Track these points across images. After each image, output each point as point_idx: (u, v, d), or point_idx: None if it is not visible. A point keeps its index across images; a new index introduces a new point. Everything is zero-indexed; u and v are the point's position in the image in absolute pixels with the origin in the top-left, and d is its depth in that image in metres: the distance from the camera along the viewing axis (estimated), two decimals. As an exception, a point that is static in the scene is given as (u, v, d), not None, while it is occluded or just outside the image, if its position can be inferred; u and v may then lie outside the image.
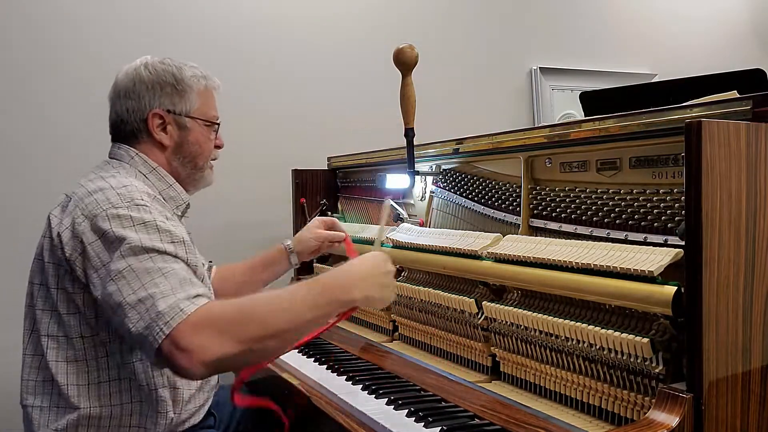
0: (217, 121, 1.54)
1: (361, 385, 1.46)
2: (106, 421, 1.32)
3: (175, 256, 1.22)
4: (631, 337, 1.11)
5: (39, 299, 1.35)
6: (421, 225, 1.91)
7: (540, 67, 3.31)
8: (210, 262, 1.77)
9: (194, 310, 1.12)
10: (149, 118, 1.45)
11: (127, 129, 1.46)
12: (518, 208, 1.55)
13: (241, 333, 1.12)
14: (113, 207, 1.26)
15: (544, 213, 1.49)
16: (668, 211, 1.20)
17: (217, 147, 1.58)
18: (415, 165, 1.85)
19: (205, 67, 1.54)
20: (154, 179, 1.45)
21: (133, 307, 1.14)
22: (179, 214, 1.50)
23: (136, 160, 1.45)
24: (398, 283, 1.80)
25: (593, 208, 1.36)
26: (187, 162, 1.50)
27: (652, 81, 3.08)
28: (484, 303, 1.46)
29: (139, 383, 1.34)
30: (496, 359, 1.46)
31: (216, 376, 1.53)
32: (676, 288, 1.05)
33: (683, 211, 1.05)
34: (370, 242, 1.98)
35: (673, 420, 0.98)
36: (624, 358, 1.13)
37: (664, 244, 1.17)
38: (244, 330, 1.12)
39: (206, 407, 1.49)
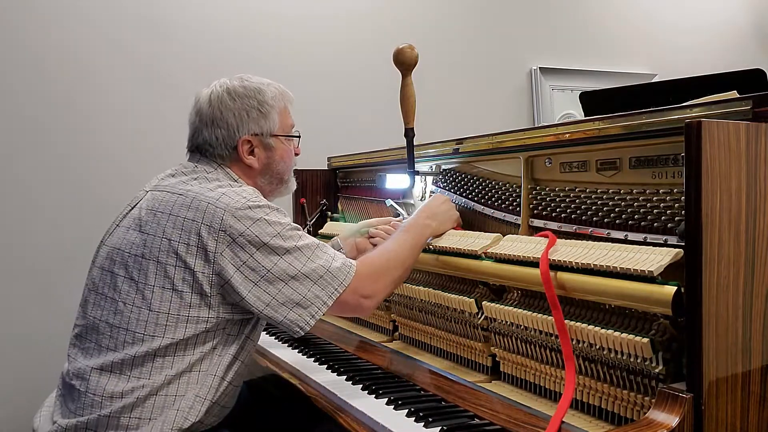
0: (297, 134, 1.62)
1: (361, 385, 1.46)
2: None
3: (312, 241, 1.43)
4: (631, 337, 1.11)
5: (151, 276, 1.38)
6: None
7: (540, 67, 3.31)
8: None
9: (359, 266, 1.44)
10: (239, 145, 1.52)
11: (216, 152, 1.53)
12: (518, 208, 1.55)
13: (393, 275, 1.51)
14: (250, 206, 1.38)
15: (544, 213, 1.49)
16: (668, 211, 1.20)
17: (296, 155, 1.64)
18: (415, 165, 1.85)
19: (279, 82, 1.60)
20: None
21: (311, 272, 1.38)
22: None
23: (220, 173, 1.51)
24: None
25: (593, 208, 1.36)
26: (274, 179, 1.59)
27: (652, 81, 3.08)
28: (484, 303, 1.46)
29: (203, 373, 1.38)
30: (496, 359, 1.46)
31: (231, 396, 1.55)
32: (676, 288, 1.05)
33: (683, 211, 1.05)
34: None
35: (673, 420, 0.98)
36: (624, 358, 1.13)
37: (664, 244, 1.17)
38: (393, 273, 1.51)
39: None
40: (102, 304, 1.38)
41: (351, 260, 1.45)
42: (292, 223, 1.43)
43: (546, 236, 1.36)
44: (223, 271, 1.34)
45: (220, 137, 1.51)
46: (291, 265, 1.37)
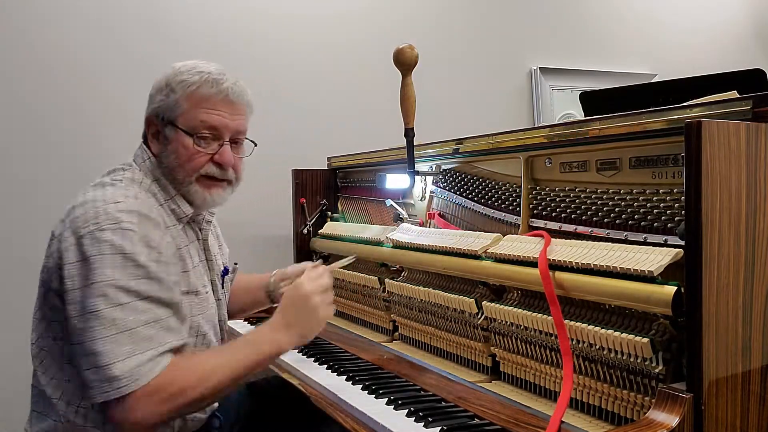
0: (203, 133, 1.39)
1: (361, 385, 1.46)
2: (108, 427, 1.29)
3: (148, 298, 1.23)
4: (631, 337, 1.11)
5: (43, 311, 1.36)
6: (421, 225, 1.91)
7: (540, 67, 3.31)
8: (235, 264, 1.76)
9: (152, 378, 1.19)
10: (147, 123, 1.44)
11: (143, 132, 1.46)
12: (518, 208, 1.55)
13: (192, 396, 1.23)
14: (98, 228, 1.24)
15: (544, 213, 1.49)
16: (668, 211, 1.20)
17: (218, 164, 1.42)
18: (415, 165, 1.85)
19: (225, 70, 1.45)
20: (158, 189, 1.41)
21: (93, 356, 1.18)
22: (180, 225, 1.44)
23: (147, 166, 1.43)
24: (398, 282, 1.80)
25: (593, 208, 1.36)
26: (167, 173, 1.41)
27: (652, 81, 3.08)
28: (484, 303, 1.46)
29: None
30: (496, 359, 1.46)
31: None
32: (675, 288, 1.05)
33: (683, 211, 1.05)
34: (370, 243, 1.99)
35: (673, 420, 0.98)
36: (624, 358, 1.13)
37: (664, 244, 1.17)
38: (194, 396, 1.23)
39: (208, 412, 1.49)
40: None
41: (148, 367, 1.19)
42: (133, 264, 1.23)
43: (541, 236, 1.36)
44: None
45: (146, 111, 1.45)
46: (76, 331, 1.21)
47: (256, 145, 1.52)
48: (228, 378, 1.27)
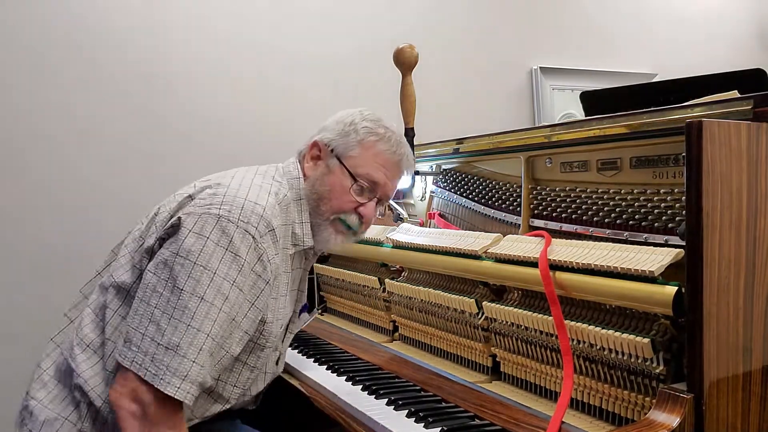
0: (364, 182, 1.40)
1: (361, 386, 1.46)
2: None
3: (230, 310, 1.21)
4: (631, 337, 1.11)
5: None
6: (421, 225, 1.91)
7: (540, 67, 3.31)
8: (317, 308, 1.68)
9: (192, 399, 1.17)
10: (310, 144, 1.46)
11: (301, 149, 1.49)
12: (518, 208, 1.55)
13: None
14: (228, 218, 1.23)
15: (544, 213, 1.48)
16: (669, 211, 1.20)
17: (359, 214, 1.42)
18: (415, 165, 1.85)
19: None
20: (293, 208, 1.40)
21: (156, 329, 1.17)
22: (293, 251, 1.41)
23: (295, 184, 1.42)
24: (398, 283, 1.80)
25: (593, 208, 1.36)
26: (312, 199, 1.42)
27: (652, 81, 3.08)
28: (484, 303, 1.46)
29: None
30: (497, 359, 1.46)
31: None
32: (676, 288, 1.05)
33: (684, 211, 1.05)
34: (370, 243, 1.98)
35: (674, 420, 0.98)
36: (624, 358, 1.13)
37: (665, 244, 1.16)
38: None
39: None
40: None
41: (197, 388, 1.17)
42: (249, 265, 1.22)
43: (541, 236, 1.36)
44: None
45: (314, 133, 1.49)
46: (159, 305, 1.18)
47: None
48: None
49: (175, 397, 1.14)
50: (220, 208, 1.24)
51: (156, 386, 1.14)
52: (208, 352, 1.18)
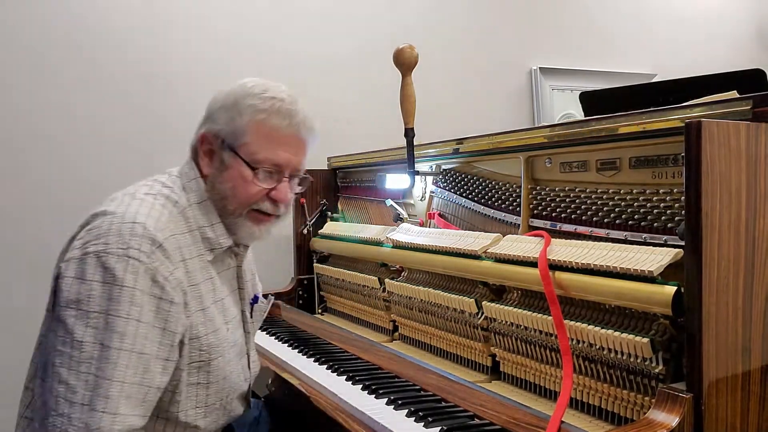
0: (267, 167, 1.30)
1: (361, 385, 1.46)
2: None
3: (121, 352, 1.12)
4: (631, 337, 1.11)
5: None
6: (421, 225, 1.91)
7: (540, 67, 3.31)
8: (271, 295, 1.60)
9: None
10: (201, 140, 1.34)
11: (192, 145, 1.36)
12: (518, 208, 1.55)
13: None
14: (105, 250, 1.15)
15: (544, 213, 1.49)
16: (668, 211, 1.20)
17: (274, 200, 1.34)
18: (415, 165, 1.85)
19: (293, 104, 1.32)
20: (198, 212, 1.31)
21: (59, 385, 1.10)
22: (211, 256, 1.32)
23: (192, 186, 1.33)
24: (398, 283, 1.80)
25: (593, 208, 1.36)
26: (217, 200, 1.32)
27: (652, 81, 3.08)
28: (484, 303, 1.46)
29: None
30: (496, 359, 1.46)
31: (244, 407, 1.47)
32: (675, 288, 1.05)
33: (683, 211, 1.05)
34: (370, 243, 1.99)
35: (673, 420, 0.98)
36: (624, 358, 1.13)
37: (664, 244, 1.17)
38: None
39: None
40: None
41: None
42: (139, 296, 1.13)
43: (540, 236, 1.36)
44: None
45: (200, 125, 1.35)
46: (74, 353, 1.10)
47: (312, 181, 1.44)
48: None
49: None
50: (96, 244, 1.16)
51: None
52: (125, 398, 1.11)
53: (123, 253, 1.15)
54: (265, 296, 1.57)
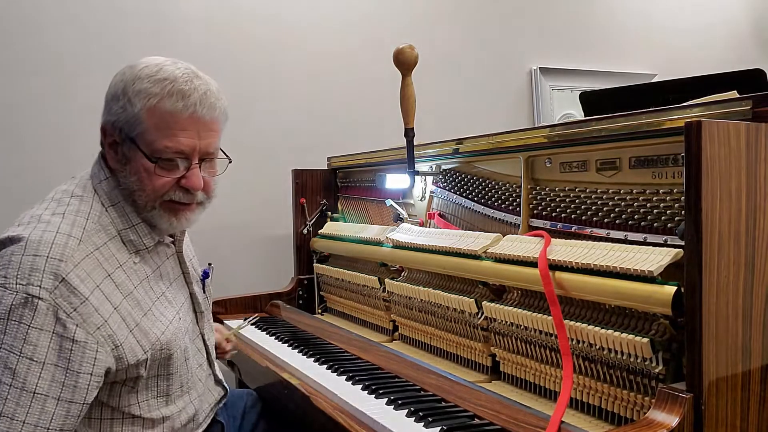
0: (169, 156, 1.21)
1: (361, 385, 1.46)
2: None
3: (30, 387, 1.07)
4: (630, 337, 1.11)
5: None
6: (421, 225, 1.91)
7: (540, 67, 3.31)
8: (210, 264, 1.58)
9: None
10: (102, 132, 1.26)
11: (100, 140, 1.28)
12: (518, 208, 1.55)
13: None
14: (3, 285, 1.09)
15: (544, 213, 1.49)
16: (668, 211, 1.20)
17: (185, 189, 1.25)
18: (415, 165, 1.85)
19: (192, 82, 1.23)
20: (115, 215, 1.24)
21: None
22: (137, 258, 1.27)
23: (104, 187, 1.26)
24: (398, 283, 1.80)
25: (593, 208, 1.36)
26: (126, 195, 1.25)
27: (652, 81, 3.08)
28: (484, 303, 1.46)
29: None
30: (496, 359, 1.46)
31: (218, 389, 1.50)
32: (675, 288, 1.05)
33: (683, 211, 1.05)
34: (370, 243, 1.99)
35: (673, 420, 0.98)
36: (624, 358, 1.14)
37: (664, 244, 1.17)
38: None
39: (209, 419, 1.46)
40: None
41: None
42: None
43: (541, 236, 1.36)
44: None
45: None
46: None
47: (230, 161, 1.34)
48: None
49: None
50: None
51: None
52: (30, 426, 1.06)
53: (22, 289, 1.08)
54: (209, 265, 1.53)
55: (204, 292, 1.49)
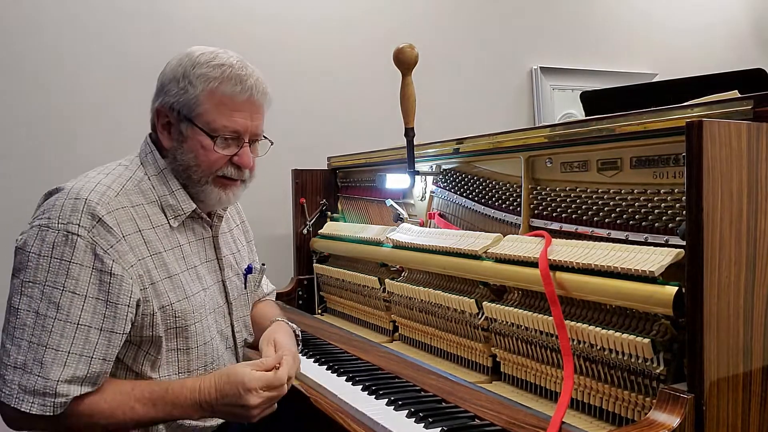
0: (225, 134, 1.33)
1: (361, 386, 1.46)
2: None
3: (67, 316, 1.18)
4: (631, 337, 1.11)
5: None
6: (421, 225, 1.91)
7: (540, 67, 3.31)
8: (263, 264, 1.63)
9: (64, 407, 1.17)
10: (157, 114, 1.37)
11: (151, 121, 1.40)
12: (518, 208, 1.55)
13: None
14: (47, 225, 1.21)
15: (544, 213, 1.48)
16: (669, 211, 1.20)
17: (237, 166, 1.37)
18: (415, 165, 1.85)
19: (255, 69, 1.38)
20: (156, 182, 1.35)
21: (11, 364, 1.17)
22: (176, 223, 1.36)
23: (149, 159, 1.37)
24: (398, 283, 1.80)
25: (594, 208, 1.36)
26: (181, 171, 1.36)
27: (652, 81, 3.08)
28: (484, 303, 1.46)
29: None
30: (497, 360, 1.46)
31: None
32: (677, 288, 1.05)
33: (684, 211, 1.05)
34: (370, 243, 1.98)
35: (674, 420, 0.98)
36: (625, 358, 1.13)
37: (665, 245, 1.16)
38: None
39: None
40: None
41: (76, 385, 1.18)
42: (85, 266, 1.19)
43: (541, 236, 1.36)
44: None
45: (153, 99, 1.38)
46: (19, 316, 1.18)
47: (272, 143, 1.46)
48: (134, 423, 1.24)
49: (31, 412, 1.15)
50: (41, 219, 1.23)
51: (12, 406, 1.16)
52: (59, 365, 1.17)
53: (63, 228, 1.20)
54: (263, 265, 1.62)
55: (245, 287, 1.54)
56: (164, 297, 1.30)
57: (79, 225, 1.21)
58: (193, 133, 1.33)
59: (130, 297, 1.23)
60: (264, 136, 1.43)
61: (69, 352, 1.17)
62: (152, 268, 1.29)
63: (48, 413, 1.16)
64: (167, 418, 1.27)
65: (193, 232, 1.42)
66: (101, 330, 1.21)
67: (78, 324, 1.19)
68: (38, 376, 1.16)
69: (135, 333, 1.27)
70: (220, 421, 1.42)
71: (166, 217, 1.35)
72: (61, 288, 1.18)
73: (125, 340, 1.25)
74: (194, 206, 1.39)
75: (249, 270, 1.56)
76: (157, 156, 1.37)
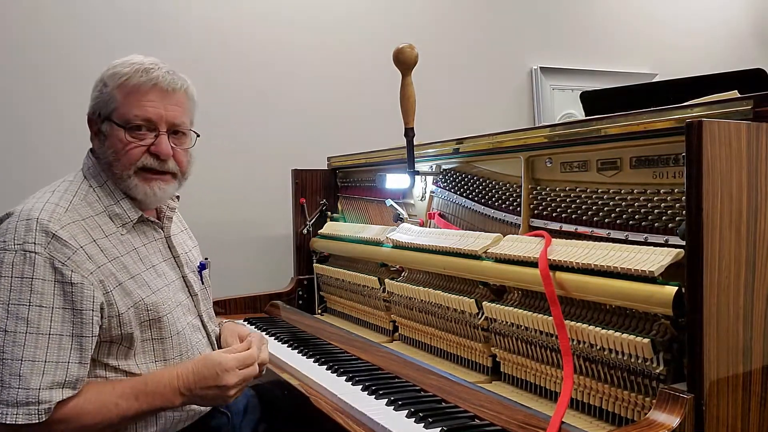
0: (138, 122, 1.36)
1: (361, 386, 1.46)
2: None
3: (37, 329, 1.21)
4: (631, 337, 1.11)
5: None
6: (421, 225, 1.91)
7: (540, 67, 3.31)
8: (206, 258, 1.67)
9: (48, 414, 1.19)
10: (89, 124, 1.43)
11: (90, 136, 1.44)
12: (518, 208, 1.55)
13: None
14: (3, 247, 1.24)
15: (544, 213, 1.48)
16: (669, 211, 1.20)
17: (154, 155, 1.38)
18: (415, 165, 1.85)
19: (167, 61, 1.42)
20: (101, 193, 1.39)
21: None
22: (124, 231, 1.38)
23: (91, 172, 1.41)
24: (398, 283, 1.80)
25: (594, 208, 1.36)
26: (107, 169, 1.39)
27: (652, 81, 3.08)
28: (484, 303, 1.46)
29: None
30: (497, 360, 1.46)
31: None
32: (676, 288, 1.05)
33: (684, 211, 1.05)
34: (370, 243, 1.98)
35: (674, 420, 0.98)
36: (624, 358, 1.13)
37: (665, 244, 1.16)
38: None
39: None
40: None
41: (58, 393, 1.21)
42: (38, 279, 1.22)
43: (541, 236, 1.36)
44: None
45: None
46: None
47: (198, 135, 1.47)
48: (119, 421, 1.27)
49: (17, 423, 1.17)
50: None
51: None
52: (37, 374, 1.19)
53: (20, 248, 1.24)
54: (206, 259, 1.65)
55: (202, 282, 1.58)
56: (135, 294, 1.33)
57: (35, 243, 1.24)
58: (112, 130, 1.37)
59: (93, 302, 1.27)
60: (191, 130, 1.46)
61: (45, 361, 1.20)
62: (115, 271, 1.32)
63: (34, 421, 1.18)
64: (151, 409, 1.30)
65: (145, 235, 1.45)
66: (72, 336, 1.24)
67: (50, 334, 1.22)
68: (18, 388, 1.18)
69: (104, 334, 1.30)
70: (202, 409, 1.44)
71: (116, 225, 1.38)
72: (27, 303, 1.21)
73: (96, 342, 1.29)
74: (140, 213, 1.42)
75: (202, 267, 1.61)
76: (97, 166, 1.41)
